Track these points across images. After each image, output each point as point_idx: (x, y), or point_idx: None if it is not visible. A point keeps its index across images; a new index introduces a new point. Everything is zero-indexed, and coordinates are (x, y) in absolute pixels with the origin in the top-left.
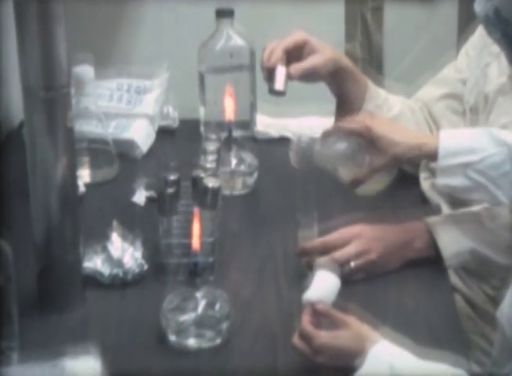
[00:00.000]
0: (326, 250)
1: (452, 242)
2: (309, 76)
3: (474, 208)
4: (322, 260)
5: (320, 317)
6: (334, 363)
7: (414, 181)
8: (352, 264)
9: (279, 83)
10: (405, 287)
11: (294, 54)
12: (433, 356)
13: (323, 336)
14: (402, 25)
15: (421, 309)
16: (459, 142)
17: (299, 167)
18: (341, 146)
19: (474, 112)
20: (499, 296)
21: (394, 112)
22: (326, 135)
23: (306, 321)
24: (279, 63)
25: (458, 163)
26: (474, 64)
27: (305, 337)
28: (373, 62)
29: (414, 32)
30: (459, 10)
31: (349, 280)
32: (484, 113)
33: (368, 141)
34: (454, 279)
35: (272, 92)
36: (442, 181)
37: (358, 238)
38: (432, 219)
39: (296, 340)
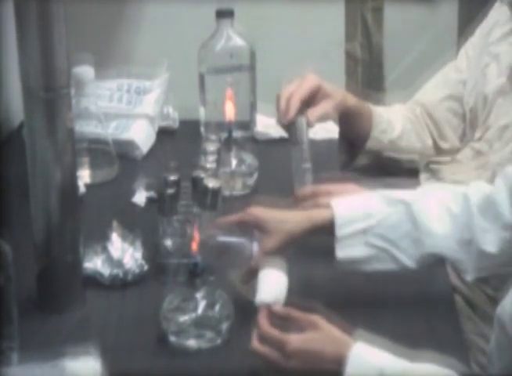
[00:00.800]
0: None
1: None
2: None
3: None
4: (266, 259)
5: (279, 319)
6: (307, 367)
7: (415, 181)
8: None
9: (303, 134)
10: (405, 287)
11: (307, 98)
12: (411, 356)
13: (295, 340)
14: (402, 25)
15: (421, 309)
16: (354, 209)
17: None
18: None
19: (474, 113)
20: (499, 296)
21: (397, 132)
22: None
23: (267, 325)
24: (299, 115)
25: (356, 230)
26: (474, 65)
27: (273, 342)
28: (373, 62)
29: (414, 32)
30: (459, 10)
31: None
32: (484, 114)
33: (255, 227)
34: (454, 279)
35: (296, 143)
36: (342, 253)
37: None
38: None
39: (257, 345)
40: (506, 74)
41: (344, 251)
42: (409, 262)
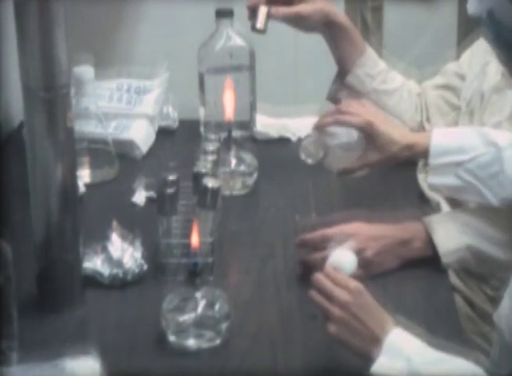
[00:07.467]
0: (324, 243)
1: (448, 239)
2: (297, 22)
3: (472, 205)
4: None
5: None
6: (346, 335)
7: (413, 180)
8: None
9: (260, 22)
10: (405, 287)
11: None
12: (448, 349)
13: (359, 286)
14: (402, 25)
15: (421, 309)
16: (450, 142)
17: (311, 162)
18: (338, 137)
19: (470, 109)
20: (499, 296)
21: (389, 87)
22: (323, 124)
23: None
24: (262, 3)
25: (449, 162)
26: (476, 61)
27: (336, 281)
28: None
29: (414, 32)
30: (459, 10)
31: None
32: (480, 110)
33: (367, 136)
34: (454, 279)
35: (253, 29)
36: (434, 180)
37: (356, 236)
38: (429, 218)
39: (315, 295)
40: (502, 70)
41: (436, 178)
42: (493, 199)
